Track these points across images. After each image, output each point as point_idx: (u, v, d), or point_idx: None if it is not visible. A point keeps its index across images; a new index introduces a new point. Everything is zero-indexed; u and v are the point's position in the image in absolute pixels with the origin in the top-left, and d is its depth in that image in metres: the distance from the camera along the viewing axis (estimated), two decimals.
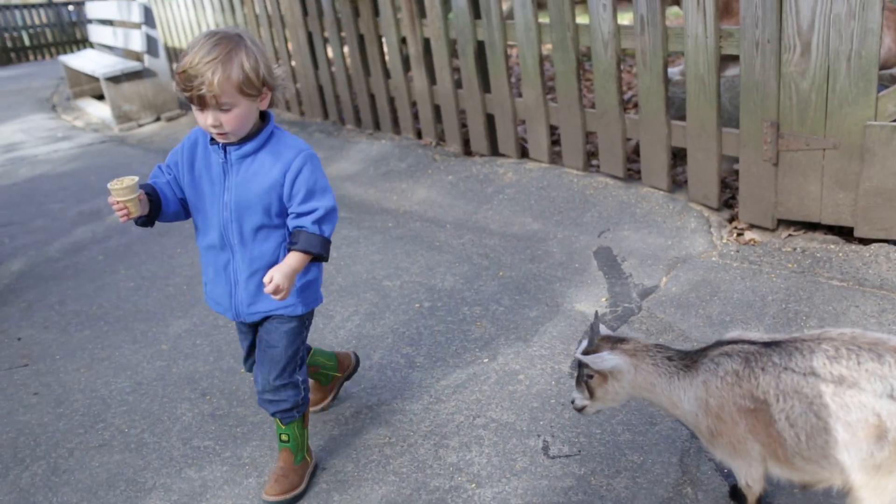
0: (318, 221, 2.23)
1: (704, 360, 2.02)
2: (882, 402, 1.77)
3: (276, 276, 2.14)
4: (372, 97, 6.15)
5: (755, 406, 1.90)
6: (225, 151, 2.23)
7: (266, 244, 2.28)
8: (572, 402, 2.20)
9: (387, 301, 3.58)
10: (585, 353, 2.12)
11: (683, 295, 3.31)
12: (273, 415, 2.47)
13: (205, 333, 3.53)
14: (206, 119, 2.14)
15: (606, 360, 2.06)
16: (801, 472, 1.92)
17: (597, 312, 2.23)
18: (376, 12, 5.70)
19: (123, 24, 8.66)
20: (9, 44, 17.29)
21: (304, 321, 2.46)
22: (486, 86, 5.05)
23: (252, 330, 2.49)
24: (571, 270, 3.65)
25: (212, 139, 2.25)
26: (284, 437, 2.52)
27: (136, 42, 7.93)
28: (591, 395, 2.14)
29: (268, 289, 2.15)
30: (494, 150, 5.20)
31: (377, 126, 6.23)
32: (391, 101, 5.99)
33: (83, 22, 15.20)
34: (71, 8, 17.98)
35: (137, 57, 8.26)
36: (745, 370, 1.92)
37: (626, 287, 3.45)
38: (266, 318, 2.40)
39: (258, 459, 2.68)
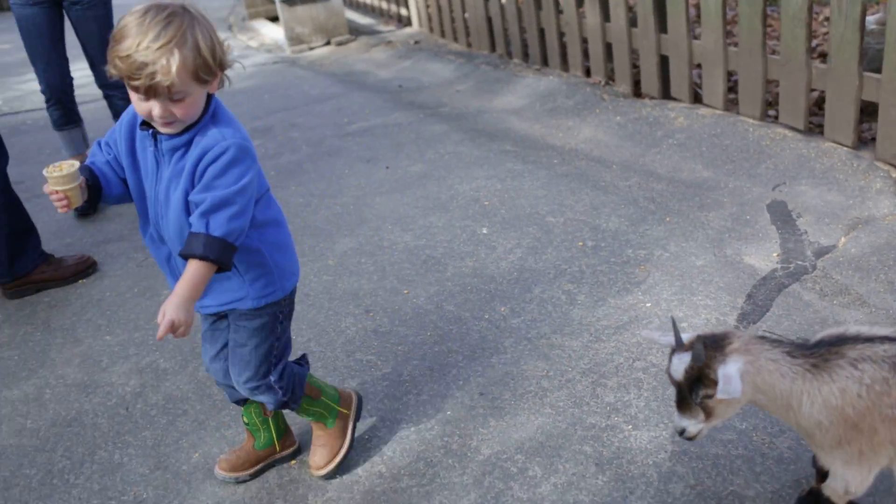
0: (204, 214, 1.83)
1: (840, 363, 1.75)
2: None
3: (168, 311, 1.80)
4: (541, 32, 6.06)
5: None
6: (155, 140, 1.92)
7: None
8: (681, 432, 1.85)
9: (549, 236, 3.58)
10: (695, 378, 1.77)
11: (864, 257, 3.14)
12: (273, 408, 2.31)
13: (370, 253, 3.63)
14: (151, 108, 1.80)
15: (733, 378, 1.69)
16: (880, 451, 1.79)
17: (674, 319, 1.94)
18: None
19: None
20: None
21: (276, 315, 2.16)
22: (662, 26, 4.87)
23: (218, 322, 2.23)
24: (742, 222, 3.52)
25: (143, 123, 1.93)
26: (303, 416, 2.39)
27: None
28: (709, 415, 1.81)
29: (161, 330, 1.81)
30: (666, 94, 5.04)
31: (545, 62, 6.14)
32: (561, 36, 5.88)
33: None
34: None
35: None
36: (894, 377, 1.72)
37: (800, 244, 3.30)
38: (229, 313, 2.14)
39: (418, 378, 2.76)
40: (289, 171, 4.72)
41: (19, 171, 5.09)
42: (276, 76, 7.08)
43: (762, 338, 1.83)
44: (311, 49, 8.14)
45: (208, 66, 1.80)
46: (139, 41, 1.72)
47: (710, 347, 1.76)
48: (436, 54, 7.10)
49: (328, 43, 8.25)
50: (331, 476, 2.37)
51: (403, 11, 8.52)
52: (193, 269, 1.83)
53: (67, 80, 4.28)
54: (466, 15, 7.07)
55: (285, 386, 2.24)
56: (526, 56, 6.39)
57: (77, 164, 1.90)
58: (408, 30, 8.28)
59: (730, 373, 1.70)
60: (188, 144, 1.88)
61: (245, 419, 2.42)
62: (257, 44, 8.75)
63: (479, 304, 3.14)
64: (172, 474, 2.49)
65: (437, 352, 2.89)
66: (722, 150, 4.21)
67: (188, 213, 1.88)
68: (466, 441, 2.45)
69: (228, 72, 1.91)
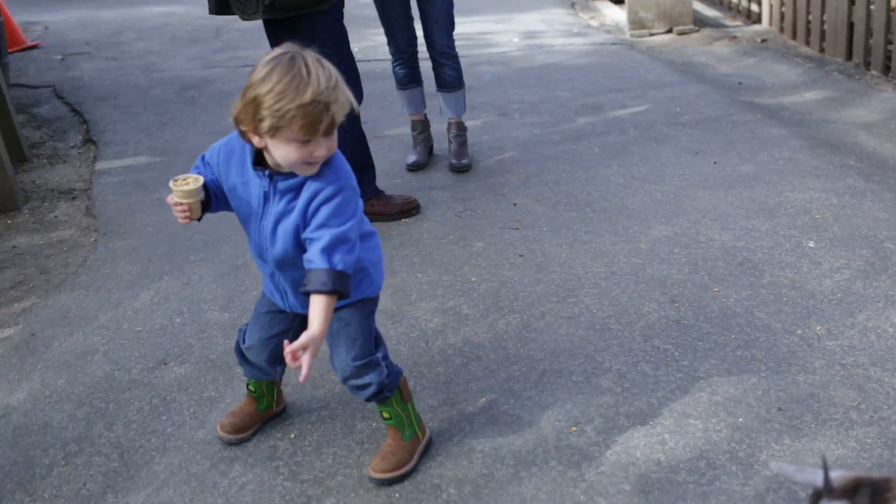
0: (325, 251, 1.97)
1: None
2: None
3: (310, 351, 1.93)
4: None
5: None
6: (270, 179, 2.03)
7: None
8: None
9: (885, 263, 3.27)
10: None
11: None
12: (367, 399, 2.34)
13: (684, 244, 3.54)
14: (313, 150, 1.90)
15: None
16: None
17: (825, 458, 1.53)
18: None
19: None
20: None
21: (371, 308, 2.31)
22: None
23: (293, 318, 2.34)
24: None
25: (256, 163, 2.04)
26: (386, 415, 2.39)
27: None
28: None
29: (304, 373, 1.91)
30: None
31: None
32: None
33: None
34: None
35: None
36: None
37: None
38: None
39: (714, 378, 2.66)
40: (613, 151, 4.71)
41: (364, 113, 5.54)
42: (613, 57, 7.07)
43: None
44: (652, 35, 8.02)
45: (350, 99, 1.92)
46: (318, 86, 1.82)
47: (875, 497, 1.34)
48: (783, 55, 6.71)
49: (670, 31, 8.08)
50: (384, 484, 2.34)
51: (754, 7, 8.12)
52: (323, 304, 1.98)
53: (414, 44, 4.54)
54: (825, 18, 6.59)
55: (389, 366, 2.32)
56: (887, 69, 5.84)
57: (201, 180, 2.05)
58: (756, 27, 7.88)
59: None
60: (301, 186, 2.01)
61: (251, 387, 2.56)
62: (597, 24, 8.77)
63: (794, 318, 2.95)
64: (457, 412, 2.62)
65: (739, 356, 2.76)
66: None
67: (295, 244, 2.05)
68: (755, 452, 2.33)
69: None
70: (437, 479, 2.36)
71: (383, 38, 4.57)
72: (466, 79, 4.67)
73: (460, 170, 4.56)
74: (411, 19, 4.47)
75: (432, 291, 3.34)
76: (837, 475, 1.39)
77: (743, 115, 5.18)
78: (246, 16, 3.57)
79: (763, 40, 7.32)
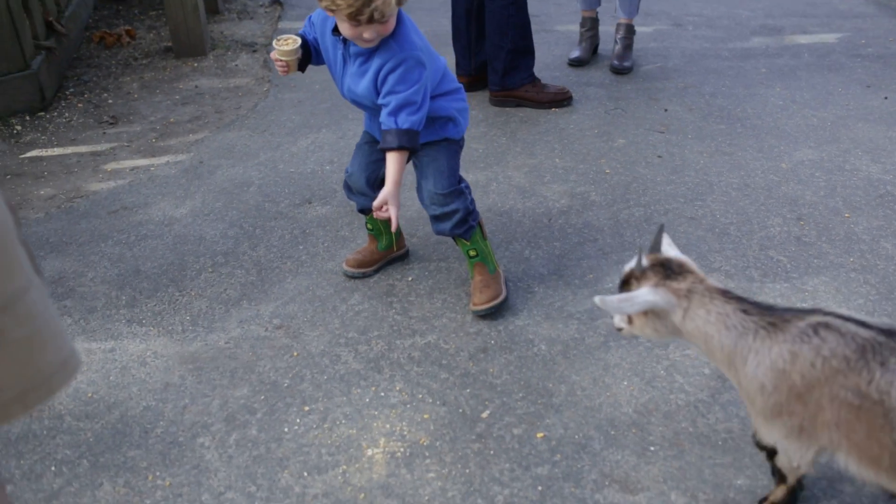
0: (392, 113, 2.30)
1: (800, 326, 1.61)
2: None
3: (391, 202, 2.34)
4: None
5: (861, 403, 1.54)
6: (344, 43, 2.34)
7: None
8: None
9: None
10: (625, 280, 1.81)
11: None
12: (452, 234, 2.59)
13: (827, 170, 3.49)
14: (362, 33, 2.19)
15: (636, 302, 1.74)
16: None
17: (662, 226, 1.90)
18: None
19: None
20: None
21: (458, 146, 2.61)
22: None
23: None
24: None
25: (334, 30, 2.35)
26: (472, 253, 2.65)
27: None
28: (630, 321, 1.83)
29: (393, 221, 2.35)
30: None
31: None
32: None
33: None
34: None
35: None
36: (858, 359, 1.54)
37: None
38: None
39: (821, 293, 2.69)
40: (780, 73, 4.59)
41: (539, 6, 5.60)
42: None
43: (726, 291, 1.73)
44: None
45: None
46: None
47: (658, 269, 1.76)
48: None
49: None
50: (488, 312, 2.59)
51: None
52: (394, 160, 2.34)
53: None
54: None
55: (471, 197, 2.61)
56: None
57: (299, 40, 2.39)
58: None
59: (629, 296, 1.74)
60: (369, 53, 2.31)
61: (369, 225, 2.84)
62: None
63: None
64: (564, 282, 2.78)
65: (851, 278, 2.77)
66: None
67: (372, 98, 2.37)
68: None
69: None
70: (532, 335, 2.55)
71: None
72: None
73: (620, 71, 4.58)
74: None
75: (565, 176, 3.47)
76: (672, 253, 1.82)
77: None
78: None
79: None
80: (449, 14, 4.22)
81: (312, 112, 4.13)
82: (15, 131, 3.91)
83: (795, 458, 1.73)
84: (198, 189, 3.42)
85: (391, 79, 2.30)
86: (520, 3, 3.95)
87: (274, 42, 2.41)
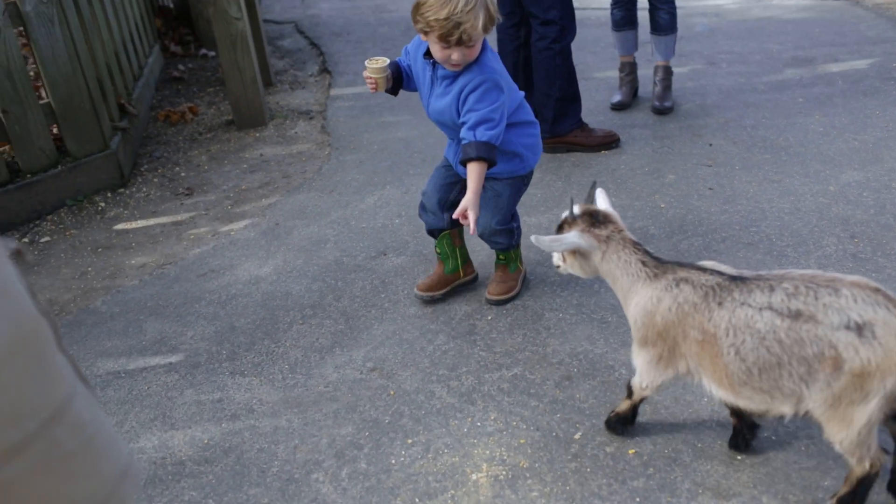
0: (472, 128, 2.58)
1: (668, 277, 2.08)
2: (838, 333, 1.79)
3: (470, 209, 2.60)
4: None
5: (703, 338, 1.99)
6: (433, 67, 2.66)
7: None
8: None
9: None
10: (560, 226, 2.27)
11: None
12: (493, 248, 3.04)
13: (875, 189, 3.63)
14: (450, 55, 2.51)
15: (564, 243, 2.21)
16: (749, 400, 1.98)
17: (595, 182, 2.38)
18: None
19: None
20: None
21: (521, 183, 2.93)
22: None
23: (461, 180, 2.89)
24: None
25: (425, 54, 2.68)
26: (501, 257, 3.07)
27: None
28: (564, 259, 2.32)
29: (472, 227, 2.60)
30: None
31: None
32: None
33: None
34: None
35: None
36: (702, 303, 1.98)
37: None
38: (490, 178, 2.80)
39: None
40: (817, 102, 4.76)
41: (577, 56, 5.83)
42: (833, 13, 6.91)
43: (636, 243, 2.18)
44: None
45: (493, 21, 2.51)
46: (454, 7, 2.41)
47: (587, 218, 2.22)
48: None
49: None
50: (501, 303, 3.06)
51: None
52: (474, 170, 2.60)
53: None
54: None
55: (518, 232, 3.01)
56: None
57: (388, 61, 2.73)
58: None
59: (559, 237, 2.23)
60: (454, 76, 2.63)
61: (437, 249, 3.10)
62: None
63: None
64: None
65: None
66: None
67: (454, 118, 2.67)
68: None
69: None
70: (612, 362, 2.71)
71: None
72: (679, 29, 4.86)
73: (662, 111, 4.78)
74: None
75: (622, 213, 3.54)
76: (605, 207, 2.28)
77: None
78: None
79: None
80: None
81: (374, 171, 4.36)
82: (100, 208, 4.18)
83: (646, 380, 2.19)
84: (278, 249, 3.65)
85: (471, 98, 2.60)
86: (566, 52, 4.18)
87: (366, 62, 2.74)
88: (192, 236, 3.86)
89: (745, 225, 3.43)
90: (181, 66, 6.38)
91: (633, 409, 2.35)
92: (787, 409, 1.94)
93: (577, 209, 2.27)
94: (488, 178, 2.76)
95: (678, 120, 4.68)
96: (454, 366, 2.77)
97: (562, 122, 4.27)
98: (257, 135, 5.04)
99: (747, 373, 1.92)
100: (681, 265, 2.12)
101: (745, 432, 2.26)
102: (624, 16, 4.84)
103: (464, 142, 2.61)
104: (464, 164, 2.64)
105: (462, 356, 2.81)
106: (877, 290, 1.83)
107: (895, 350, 1.76)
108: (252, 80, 5.03)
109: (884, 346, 1.76)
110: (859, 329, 1.78)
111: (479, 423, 2.50)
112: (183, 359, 2.97)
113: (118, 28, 5.04)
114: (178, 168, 4.63)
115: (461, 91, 2.61)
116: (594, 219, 2.22)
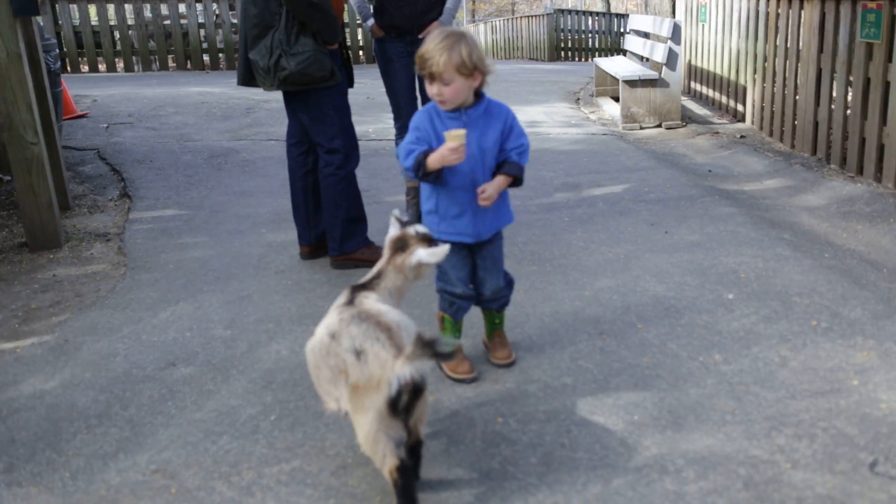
0: (521, 154, 3.13)
1: (325, 321, 2.70)
2: (348, 354, 2.44)
3: (489, 189, 3.07)
4: (862, 141, 6.16)
5: (334, 371, 2.54)
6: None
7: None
8: None
9: (788, 311, 3.84)
10: (405, 243, 2.99)
11: None
12: (496, 310, 3.45)
13: (622, 293, 4.14)
14: (432, 89, 2.97)
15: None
16: (328, 395, 2.57)
17: (396, 213, 3.12)
18: (889, 58, 5.72)
19: (656, 37, 9.56)
20: (562, 44, 19.54)
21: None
22: None
23: (471, 253, 3.30)
24: None
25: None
26: (497, 321, 3.48)
27: (659, 54, 8.74)
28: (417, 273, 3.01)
29: (482, 197, 3.06)
30: None
31: (860, 171, 6.21)
32: (880, 148, 5.94)
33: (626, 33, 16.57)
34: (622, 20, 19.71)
35: (657, 68, 9.08)
36: (331, 342, 2.54)
37: None
38: (492, 237, 3.26)
39: (621, 389, 3.22)
40: (580, 220, 5.36)
41: (370, 182, 6.25)
42: (601, 145, 7.79)
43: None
44: (642, 129, 8.76)
45: (465, 64, 2.90)
46: (429, 45, 2.92)
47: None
48: (756, 150, 7.39)
49: (659, 125, 8.82)
50: (511, 365, 3.44)
51: (740, 107, 8.86)
52: (506, 181, 3.13)
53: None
54: (796, 121, 7.28)
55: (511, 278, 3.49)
56: (843, 163, 6.49)
57: (465, 131, 2.97)
58: (739, 125, 8.60)
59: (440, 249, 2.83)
60: (485, 113, 3.09)
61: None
62: (596, 117, 9.54)
63: (699, 349, 3.52)
64: None
65: (646, 374, 3.33)
66: None
67: (494, 154, 3.12)
68: (641, 440, 2.88)
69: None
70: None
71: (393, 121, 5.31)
72: None
73: None
74: (416, 100, 5.22)
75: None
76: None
77: (702, 197, 5.83)
78: (266, 87, 4.32)
79: (742, 136, 8.03)
80: (288, 194, 4.76)
81: (169, 289, 4.47)
82: None
83: (325, 399, 2.62)
84: (66, 364, 3.66)
85: (516, 127, 3.15)
86: (350, 178, 4.54)
87: (447, 136, 2.95)
88: None
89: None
90: None
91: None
92: (333, 406, 2.56)
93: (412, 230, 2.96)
94: (493, 238, 3.28)
95: None
96: (236, 462, 2.89)
97: (349, 241, 4.58)
98: (51, 256, 5.03)
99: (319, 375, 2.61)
100: (352, 305, 2.71)
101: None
102: None
103: (511, 159, 3.12)
104: (502, 173, 3.12)
105: (244, 454, 2.95)
106: (388, 329, 2.47)
107: (377, 375, 2.37)
108: (48, 204, 5.07)
109: (370, 370, 2.39)
110: (358, 354, 2.43)
111: None
112: None
113: None
114: None
115: (505, 121, 3.12)
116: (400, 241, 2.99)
